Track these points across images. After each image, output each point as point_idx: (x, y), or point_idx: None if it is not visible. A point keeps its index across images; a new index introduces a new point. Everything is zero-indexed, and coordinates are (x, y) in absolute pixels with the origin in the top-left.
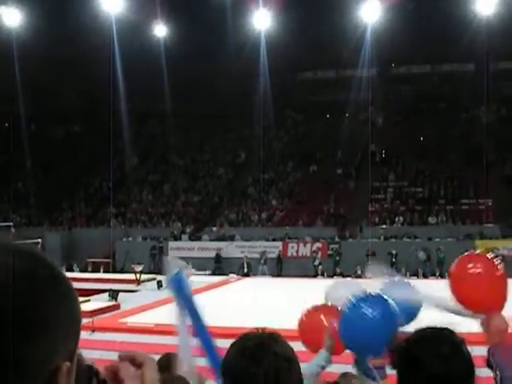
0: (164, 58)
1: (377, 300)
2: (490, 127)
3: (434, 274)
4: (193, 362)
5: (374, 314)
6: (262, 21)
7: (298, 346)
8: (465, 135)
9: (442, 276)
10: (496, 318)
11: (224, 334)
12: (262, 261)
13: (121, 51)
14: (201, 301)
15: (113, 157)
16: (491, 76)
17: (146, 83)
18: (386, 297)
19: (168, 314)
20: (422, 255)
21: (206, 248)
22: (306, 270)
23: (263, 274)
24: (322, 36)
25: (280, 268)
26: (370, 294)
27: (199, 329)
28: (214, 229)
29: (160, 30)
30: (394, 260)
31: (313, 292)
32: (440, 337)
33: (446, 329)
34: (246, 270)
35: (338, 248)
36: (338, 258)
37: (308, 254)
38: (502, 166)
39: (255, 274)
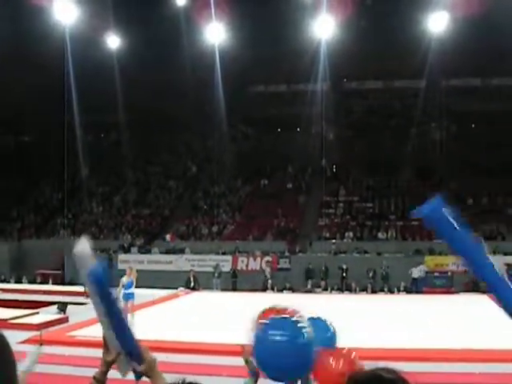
0: (117, 70)
1: (287, 323)
2: (441, 143)
3: (382, 290)
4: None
5: (285, 338)
6: (215, 34)
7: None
8: (415, 151)
9: (390, 291)
10: None
11: (172, 348)
12: (216, 274)
13: (74, 61)
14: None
15: (64, 168)
16: (442, 93)
17: (98, 94)
18: (299, 319)
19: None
20: (415, 272)
21: (156, 261)
22: (256, 284)
23: (217, 287)
24: (275, 50)
25: (234, 282)
26: (281, 317)
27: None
28: (168, 236)
29: (113, 41)
30: (344, 275)
31: (261, 307)
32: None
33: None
34: (192, 284)
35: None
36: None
37: (258, 268)
38: (452, 182)
39: (205, 288)
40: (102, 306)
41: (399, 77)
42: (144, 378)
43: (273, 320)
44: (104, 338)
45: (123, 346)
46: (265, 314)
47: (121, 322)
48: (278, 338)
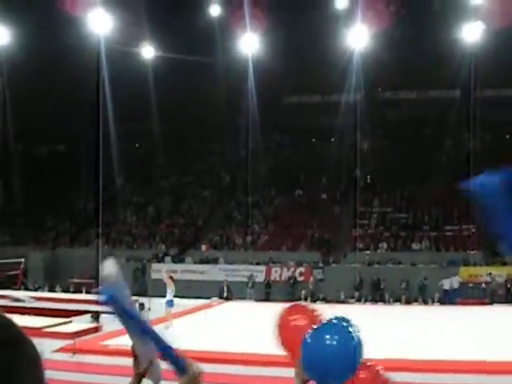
0: (151, 80)
1: (337, 326)
2: (475, 154)
3: (416, 300)
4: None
5: (335, 341)
6: (249, 44)
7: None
8: (450, 161)
9: (424, 302)
10: None
11: (205, 358)
12: (250, 284)
13: (108, 71)
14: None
15: (98, 177)
16: (476, 103)
17: (132, 104)
18: (346, 323)
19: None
20: (446, 283)
21: (189, 270)
22: (289, 294)
23: (250, 297)
24: (309, 60)
25: (268, 292)
26: (330, 320)
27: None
28: (204, 247)
29: (147, 52)
30: (381, 286)
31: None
32: None
33: None
34: (226, 294)
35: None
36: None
37: (287, 278)
38: None
39: (238, 298)
40: (129, 326)
41: (433, 87)
42: None
43: (323, 325)
44: (133, 348)
45: (164, 357)
46: (289, 312)
47: (153, 336)
48: (328, 341)
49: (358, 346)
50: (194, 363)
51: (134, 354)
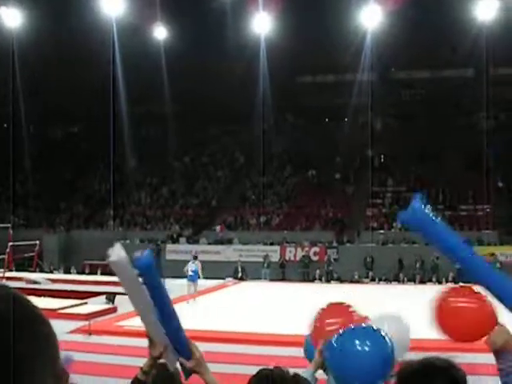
0: (164, 61)
1: (367, 331)
2: (489, 133)
3: (430, 280)
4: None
5: (363, 346)
6: (261, 24)
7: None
8: (464, 141)
9: (438, 282)
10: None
11: (220, 338)
12: (265, 264)
13: (121, 53)
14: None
15: (111, 159)
16: (491, 82)
17: (145, 85)
18: (377, 328)
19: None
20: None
21: (204, 251)
22: (304, 274)
23: (265, 277)
24: (322, 40)
25: (283, 272)
26: (360, 325)
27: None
28: (218, 227)
29: (160, 33)
30: (401, 265)
31: (310, 298)
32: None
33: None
34: (240, 275)
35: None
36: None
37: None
38: (500, 172)
39: (254, 278)
40: (151, 298)
41: (447, 66)
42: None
43: (353, 329)
44: (147, 332)
45: (171, 340)
46: (326, 310)
47: (170, 316)
48: (359, 347)
49: (390, 352)
50: (195, 346)
51: (149, 336)
